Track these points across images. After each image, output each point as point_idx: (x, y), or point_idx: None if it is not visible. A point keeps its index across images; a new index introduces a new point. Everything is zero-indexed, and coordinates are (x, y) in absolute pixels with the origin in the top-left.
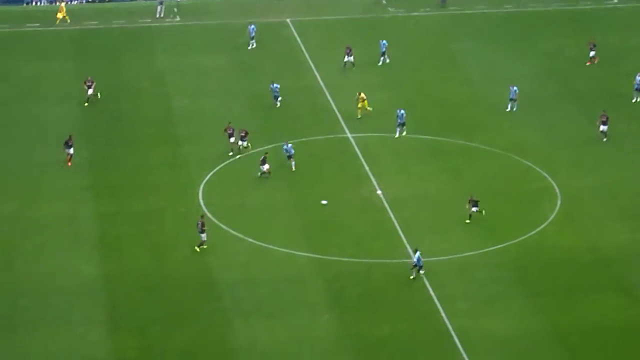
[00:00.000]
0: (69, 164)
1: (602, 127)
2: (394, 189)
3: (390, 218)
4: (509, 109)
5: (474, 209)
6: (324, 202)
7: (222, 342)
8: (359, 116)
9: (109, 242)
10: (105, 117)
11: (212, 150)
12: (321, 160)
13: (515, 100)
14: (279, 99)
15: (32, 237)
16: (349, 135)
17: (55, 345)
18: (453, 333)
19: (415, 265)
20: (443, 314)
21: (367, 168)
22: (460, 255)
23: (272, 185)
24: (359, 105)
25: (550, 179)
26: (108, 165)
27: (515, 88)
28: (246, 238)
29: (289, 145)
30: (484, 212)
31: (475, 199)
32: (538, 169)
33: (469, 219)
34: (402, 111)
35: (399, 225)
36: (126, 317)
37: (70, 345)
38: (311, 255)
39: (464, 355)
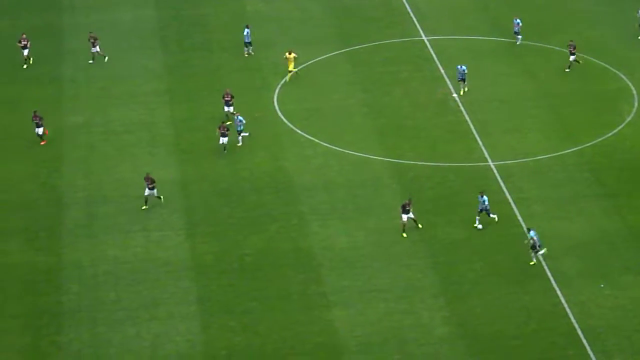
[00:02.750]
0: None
1: None
2: (469, 91)
3: (465, 120)
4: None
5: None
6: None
7: (298, 245)
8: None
9: (185, 147)
10: (179, 21)
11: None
12: (396, 63)
13: None
14: None
15: (110, 144)
16: (424, 38)
17: (134, 251)
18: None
19: (533, 246)
20: (518, 217)
21: (442, 71)
22: (536, 157)
23: (346, 89)
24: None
25: (627, 80)
26: (183, 71)
27: None
28: (321, 142)
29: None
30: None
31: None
32: (615, 70)
33: None
34: (464, 67)
35: (475, 128)
36: (202, 222)
37: (149, 250)
38: (386, 159)
39: (540, 257)
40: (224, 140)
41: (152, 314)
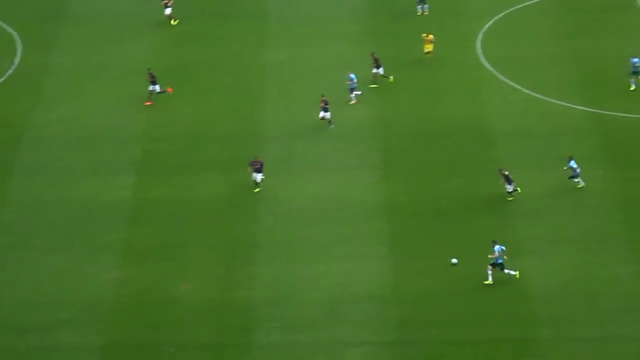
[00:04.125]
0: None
1: None
2: None
3: None
4: None
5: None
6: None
7: (493, 191)
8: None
9: (385, 87)
10: None
11: None
12: (607, 11)
13: None
14: None
15: (310, 82)
16: None
17: (329, 188)
18: None
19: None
20: None
21: None
22: None
23: (552, 36)
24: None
25: None
26: (387, 12)
27: None
28: (523, 89)
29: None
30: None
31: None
32: None
33: None
34: (636, 60)
35: None
36: (398, 163)
37: (344, 189)
38: (587, 109)
39: None
40: (325, 114)
41: (344, 252)
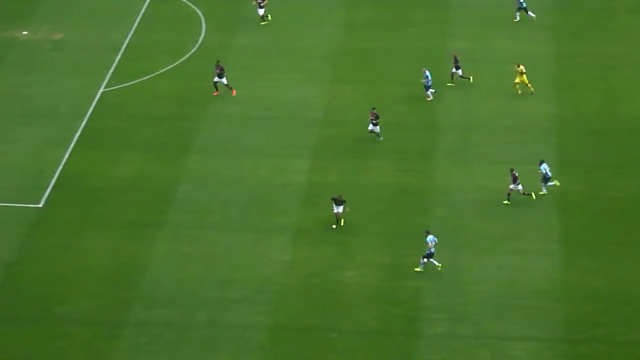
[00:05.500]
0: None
1: None
2: None
3: None
4: None
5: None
6: None
7: None
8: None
9: (566, 84)
10: None
11: None
12: None
13: None
14: None
15: (490, 73)
16: None
17: (500, 182)
18: None
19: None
20: None
21: None
22: None
23: None
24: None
25: None
26: (572, 5)
27: None
28: None
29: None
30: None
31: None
32: None
33: None
34: None
35: None
36: (574, 161)
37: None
38: None
39: None
40: (374, 128)
41: (514, 247)
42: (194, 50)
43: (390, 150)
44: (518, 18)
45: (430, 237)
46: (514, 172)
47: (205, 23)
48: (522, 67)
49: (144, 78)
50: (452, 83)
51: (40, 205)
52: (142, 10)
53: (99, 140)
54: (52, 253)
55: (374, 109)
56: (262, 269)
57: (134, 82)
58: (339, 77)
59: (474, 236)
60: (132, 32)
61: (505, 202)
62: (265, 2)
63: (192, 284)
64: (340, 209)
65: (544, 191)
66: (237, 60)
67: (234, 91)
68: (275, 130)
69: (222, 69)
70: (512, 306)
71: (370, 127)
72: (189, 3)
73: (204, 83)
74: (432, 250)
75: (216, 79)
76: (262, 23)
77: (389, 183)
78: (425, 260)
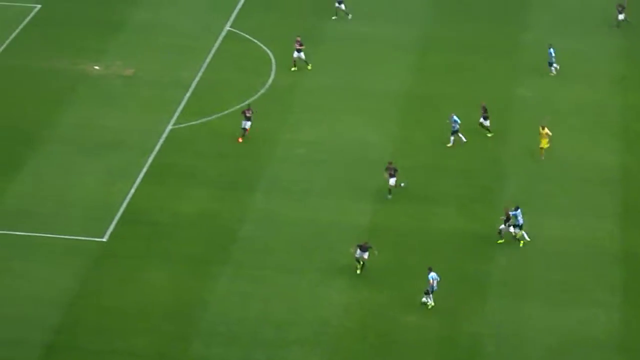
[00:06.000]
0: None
1: None
2: None
3: None
4: None
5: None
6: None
7: None
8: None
9: (633, 135)
10: None
11: None
12: None
13: None
14: None
15: (552, 123)
16: None
17: (566, 232)
18: None
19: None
20: None
21: None
22: None
23: None
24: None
25: None
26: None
27: None
28: None
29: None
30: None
31: None
32: None
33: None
34: None
35: None
36: (639, 211)
37: (578, 233)
38: None
39: None
40: (391, 180)
41: (576, 297)
42: (262, 90)
43: (455, 195)
44: (554, 72)
45: (432, 275)
46: (508, 211)
47: (276, 64)
48: (547, 129)
49: (213, 117)
50: (490, 133)
51: (104, 240)
52: (214, 49)
53: (166, 176)
54: (115, 287)
55: (390, 162)
56: (321, 311)
57: (203, 120)
58: (406, 120)
59: (536, 285)
60: (202, 70)
61: (500, 241)
62: (302, 47)
63: (252, 323)
64: (366, 255)
65: (526, 237)
66: (305, 101)
67: (240, 139)
68: (341, 172)
69: (251, 111)
70: (572, 357)
71: (390, 180)
72: (260, 44)
73: (272, 124)
74: (435, 287)
75: (244, 123)
76: (308, 67)
77: (452, 229)
78: (426, 297)
